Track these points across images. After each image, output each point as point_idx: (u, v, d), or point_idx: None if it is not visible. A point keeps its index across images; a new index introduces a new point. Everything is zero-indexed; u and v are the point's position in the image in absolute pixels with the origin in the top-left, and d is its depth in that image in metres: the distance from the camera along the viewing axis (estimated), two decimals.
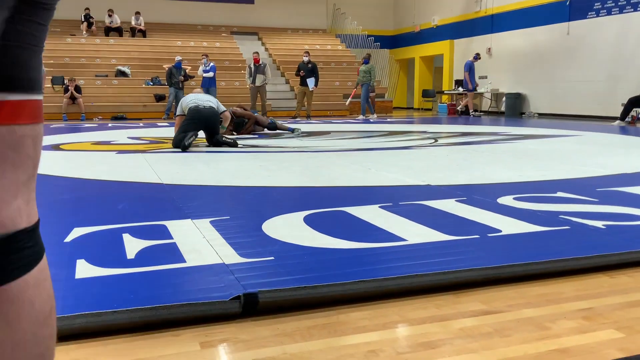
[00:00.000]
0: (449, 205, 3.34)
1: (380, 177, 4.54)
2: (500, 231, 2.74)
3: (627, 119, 11.54)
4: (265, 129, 9.18)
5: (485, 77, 17.54)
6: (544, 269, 2.18)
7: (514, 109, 15.99)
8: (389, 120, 14.02)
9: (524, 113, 16.11)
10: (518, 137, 8.39)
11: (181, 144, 6.37)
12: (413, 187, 4.10)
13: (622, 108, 11.71)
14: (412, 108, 22.23)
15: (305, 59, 14.29)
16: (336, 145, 7.37)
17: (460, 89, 17.54)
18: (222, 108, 7.18)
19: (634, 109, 11.46)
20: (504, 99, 16.45)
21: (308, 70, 14.15)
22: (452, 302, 1.93)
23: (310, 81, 14.10)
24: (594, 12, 13.96)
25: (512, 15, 16.64)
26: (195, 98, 6.89)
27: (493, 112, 17.18)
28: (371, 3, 22.71)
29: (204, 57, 14.22)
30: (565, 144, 7.43)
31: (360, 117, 14.68)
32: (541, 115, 15.54)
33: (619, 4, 13.27)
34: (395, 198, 3.63)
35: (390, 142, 7.90)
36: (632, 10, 12.96)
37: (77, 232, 2.74)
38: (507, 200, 3.50)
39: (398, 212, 3.16)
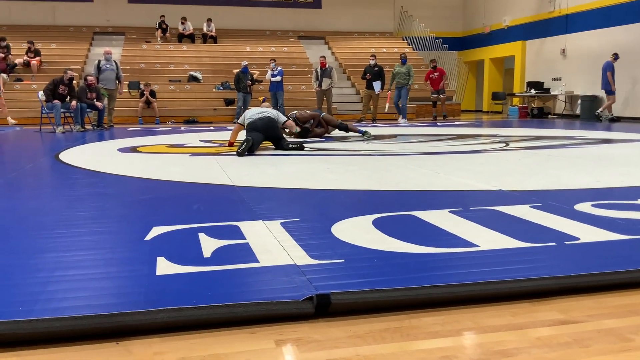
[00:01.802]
0: (523, 211, 3.26)
1: (450, 182, 4.48)
2: (578, 239, 2.65)
3: None
4: (336, 130, 9.20)
5: (559, 79, 16.92)
6: (626, 279, 2.10)
7: (589, 111, 15.33)
8: (457, 123, 13.78)
9: (600, 116, 15.42)
10: (594, 142, 8.05)
11: (237, 150, 6.46)
12: (484, 192, 4.02)
13: None
14: (481, 111, 21.75)
15: (372, 62, 14.27)
16: (403, 148, 7.33)
17: (533, 91, 17.02)
18: (283, 118, 7.26)
19: None
20: (579, 101, 15.81)
21: (374, 73, 14.11)
22: (529, 311, 1.89)
23: (377, 84, 14.06)
24: None
25: (588, 15, 15.98)
26: (253, 113, 6.99)
27: (567, 115, 16.55)
28: (439, 5, 22.40)
29: (271, 61, 14.47)
30: None
31: (402, 120, 14.14)
32: (619, 118, 14.82)
33: None
34: (466, 203, 3.57)
35: (459, 145, 7.76)
36: None
37: (156, 231, 2.86)
38: (584, 207, 3.37)
39: (469, 218, 3.11)
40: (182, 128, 12.39)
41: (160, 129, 12.15)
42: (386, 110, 14.54)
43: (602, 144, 7.68)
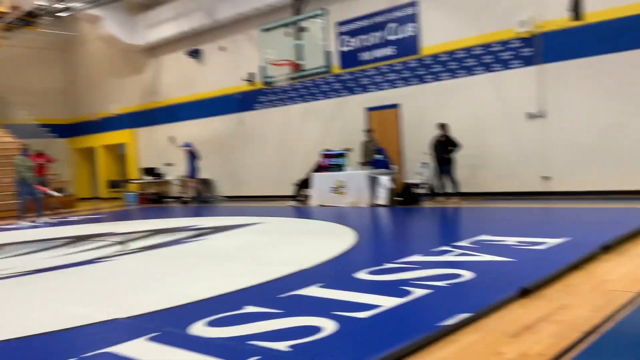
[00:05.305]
0: (140, 349, 3.13)
1: (61, 315, 4.06)
2: None
3: (299, 198, 12.98)
4: None
5: (172, 164, 17.81)
6: None
7: (202, 193, 16.55)
8: (72, 219, 12.97)
9: (212, 197, 16.79)
10: (208, 231, 8.62)
11: None
12: (100, 326, 3.73)
13: (293, 189, 13.16)
14: (99, 198, 21.16)
15: None
16: (7, 268, 6.41)
17: (148, 177, 17.41)
18: None
19: (303, 189, 12.97)
20: (194, 184, 16.85)
21: None
22: None
23: None
24: (260, 104, 15.60)
25: (189, 106, 17.45)
26: None
27: (181, 198, 17.48)
28: (42, 91, 21.24)
29: None
30: (250, 236, 7.91)
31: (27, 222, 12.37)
32: (228, 197, 16.40)
33: (280, 98, 15.14)
34: (79, 348, 3.25)
35: (74, 254, 7.25)
36: (292, 103, 14.90)
37: None
38: (199, 329, 3.44)
39: None
40: None
41: None
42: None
43: (214, 234, 8.27)
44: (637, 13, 9.52)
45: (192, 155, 15.69)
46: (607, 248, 5.24)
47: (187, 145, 15.67)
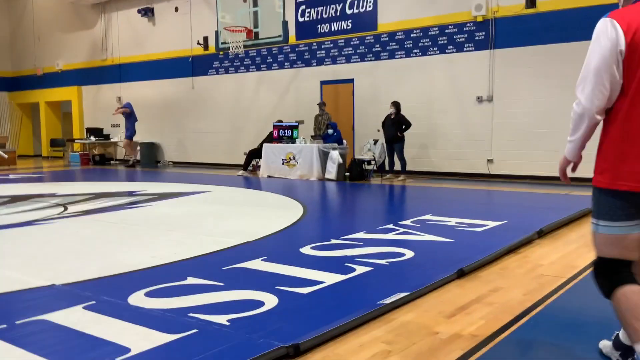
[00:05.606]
0: (75, 317, 3.08)
1: None
2: (130, 350, 2.64)
3: (249, 168, 12.89)
4: None
5: (118, 126, 17.32)
6: None
7: (149, 157, 16.18)
8: (12, 177, 12.48)
9: (159, 161, 16.46)
10: (153, 197, 8.47)
11: None
12: (35, 292, 3.65)
13: (244, 158, 13.05)
14: (40, 156, 20.41)
15: None
16: None
17: (93, 138, 16.93)
18: None
19: (254, 159, 12.88)
20: (138, 147, 16.48)
21: None
22: None
23: None
24: (214, 70, 15.29)
25: (140, 67, 16.91)
26: None
27: (128, 161, 17.08)
28: None
29: None
30: (196, 205, 7.82)
31: None
32: (175, 163, 16.13)
33: (235, 64, 14.86)
34: (12, 314, 3.16)
35: (11, 214, 7.00)
36: (246, 71, 14.66)
37: None
38: (138, 298, 3.41)
39: (15, 341, 2.74)
40: None
41: None
42: None
43: (160, 200, 8.13)
44: (586, 5, 9.78)
45: (130, 116, 15.37)
46: (543, 233, 5.46)
47: (126, 105, 15.33)
